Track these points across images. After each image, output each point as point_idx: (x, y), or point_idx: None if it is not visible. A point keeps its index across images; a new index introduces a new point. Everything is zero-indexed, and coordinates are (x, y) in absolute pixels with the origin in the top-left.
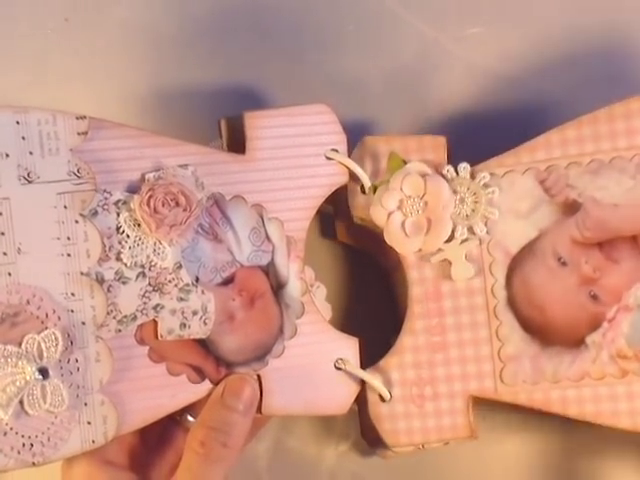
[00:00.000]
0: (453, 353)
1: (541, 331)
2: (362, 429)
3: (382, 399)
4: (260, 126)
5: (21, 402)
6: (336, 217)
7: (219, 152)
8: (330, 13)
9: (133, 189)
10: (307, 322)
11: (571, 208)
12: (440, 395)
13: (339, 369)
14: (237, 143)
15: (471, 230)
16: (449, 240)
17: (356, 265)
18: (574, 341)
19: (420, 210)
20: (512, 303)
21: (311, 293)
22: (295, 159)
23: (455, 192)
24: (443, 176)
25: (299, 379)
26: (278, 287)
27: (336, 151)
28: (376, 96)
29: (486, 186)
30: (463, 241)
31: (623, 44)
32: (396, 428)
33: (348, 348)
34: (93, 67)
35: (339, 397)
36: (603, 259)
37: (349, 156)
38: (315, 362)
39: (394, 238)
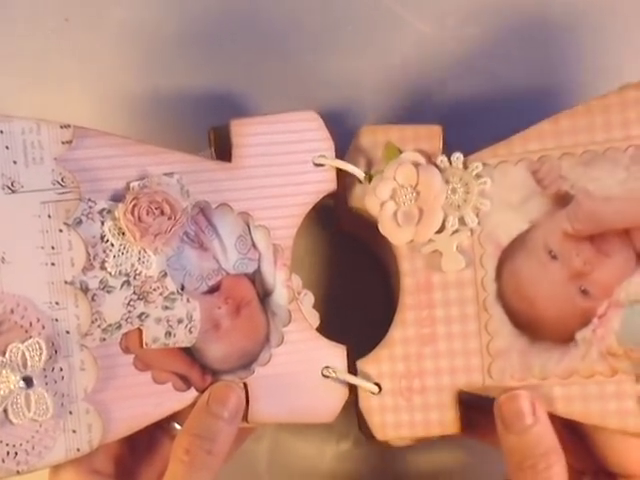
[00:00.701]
0: (442, 346)
1: (530, 325)
2: (359, 422)
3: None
4: (246, 133)
5: (5, 411)
6: (336, 207)
7: (205, 160)
8: (327, 13)
9: (118, 198)
10: (294, 330)
11: (563, 200)
12: (428, 388)
13: (327, 377)
14: (225, 151)
15: (462, 221)
16: (440, 231)
17: (353, 256)
18: (564, 337)
19: (412, 200)
20: (502, 296)
21: (298, 301)
22: (282, 166)
23: (447, 182)
24: (436, 166)
25: (286, 387)
26: (264, 295)
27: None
28: (374, 97)
29: (478, 176)
30: (454, 232)
31: (624, 43)
32: (384, 421)
33: (336, 356)
34: (93, 68)
35: (326, 405)
36: (594, 252)
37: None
38: (302, 370)
39: (387, 228)
